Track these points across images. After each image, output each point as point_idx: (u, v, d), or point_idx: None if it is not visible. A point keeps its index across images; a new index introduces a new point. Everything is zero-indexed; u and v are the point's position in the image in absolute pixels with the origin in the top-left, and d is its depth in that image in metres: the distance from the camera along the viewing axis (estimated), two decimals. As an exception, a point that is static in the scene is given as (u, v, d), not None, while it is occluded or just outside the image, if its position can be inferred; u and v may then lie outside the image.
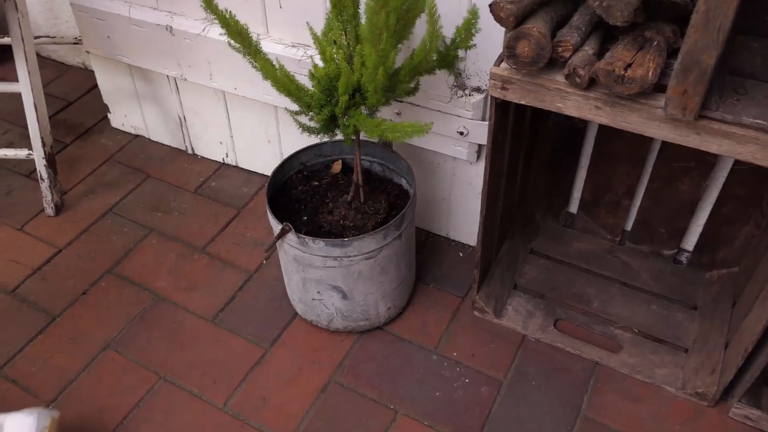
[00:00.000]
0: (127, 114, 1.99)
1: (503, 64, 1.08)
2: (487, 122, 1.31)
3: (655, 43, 0.98)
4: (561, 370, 1.41)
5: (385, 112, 1.48)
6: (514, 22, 0.99)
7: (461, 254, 1.66)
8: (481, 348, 1.46)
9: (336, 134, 1.28)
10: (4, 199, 1.83)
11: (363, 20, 1.12)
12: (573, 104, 1.04)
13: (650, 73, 0.94)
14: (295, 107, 1.26)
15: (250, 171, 1.90)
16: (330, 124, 1.24)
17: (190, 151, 1.96)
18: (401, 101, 1.43)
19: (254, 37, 1.19)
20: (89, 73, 2.22)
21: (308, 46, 1.50)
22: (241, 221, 1.76)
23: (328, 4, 1.21)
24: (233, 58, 1.51)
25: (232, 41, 1.18)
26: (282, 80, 1.20)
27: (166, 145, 1.99)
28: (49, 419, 1.21)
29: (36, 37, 1.90)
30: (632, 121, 1.01)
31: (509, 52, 1.02)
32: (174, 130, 1.93)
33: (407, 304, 1.54)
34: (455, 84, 1.37)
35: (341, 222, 1.39)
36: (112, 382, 1.42)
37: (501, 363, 1.43)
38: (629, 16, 0.93)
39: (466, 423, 1.34)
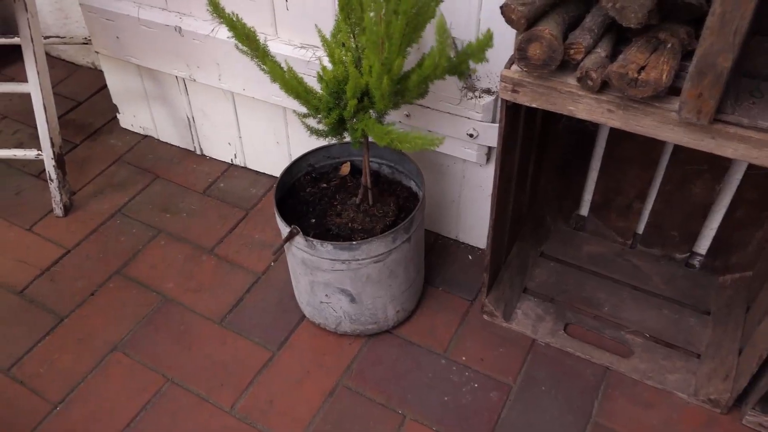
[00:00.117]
0: (136, 114, 1.99)
1: (514, 67, 1.07)
2: (497, 124, 1.29)
3: (669, 45, 0.96)
4: (571, 375, 1.40)
5: (394, 114, 1.47)
6: (526, 24, 0.98)
7: (470, 257, 1.65)
8: (491, 352, 1.45)
9: (344, 137, 1.27)
10: (13, 200, 1.83)
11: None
12: (585, 107, 1.03)
13: (664, 76, 0.92)
14: (303, 109, 1.25)
15: (259, 172, 1.89)
16: (338, 127, 1.23)
17: (198, 152, 1.96)
18: (410, 103, 1.42)
19: (263, 38, 1.19)
20: (99, 73, 2.22)
21: (317, 47, 1.49)
22: (250, 222, 1.76)
23: (337, 6, 1.19)
24: (242, 59, 1.50)
25: (239, 44, 1.17)
26: (290, 83, 1.19)
27: (175, 146, 1.98)
28: None
29: (46, 37, 1.90)
30: (645, 124, 1.00)
31: (520, 55, 1.01)
32: (183, 130, 1.93)
33: (416, 308, 1.53)
34: (465, 86, 1.36)
35: (350, 225, 1.38)
36: (119, 384, 1.42)
37: (510, 368, 1.42)
38: (643, 18, 0.91)
39: (474, 428, 1.33)
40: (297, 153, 1.50)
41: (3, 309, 1.56)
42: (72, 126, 2.06)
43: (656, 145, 1.40)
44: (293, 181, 1.49)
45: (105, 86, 2.02)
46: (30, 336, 1.51)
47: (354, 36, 1.20)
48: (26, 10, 1.56)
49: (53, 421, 1.36)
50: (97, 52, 1.85)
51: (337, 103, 1.19)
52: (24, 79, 1.66)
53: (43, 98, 1.66)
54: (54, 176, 1.73)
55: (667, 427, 1.31)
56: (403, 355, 1.45)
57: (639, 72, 0.93)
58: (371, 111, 1.21)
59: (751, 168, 1.35)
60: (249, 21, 1.16)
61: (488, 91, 1.36)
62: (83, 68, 2.30)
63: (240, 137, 1.84)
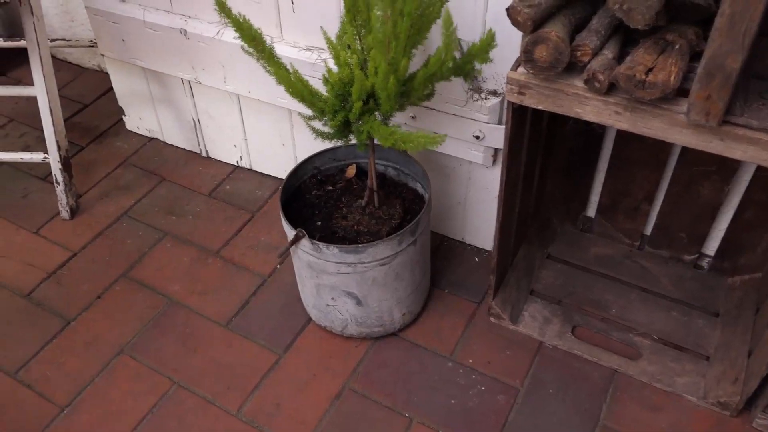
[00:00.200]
0: (142, 117, 1.99)
1: (520, 69, 1.06)
2: (503, 126, 1.28)
3: (677, 47, 0.96)
4: (579, 378, 1.39)
5: (400, 116, 1.47)
6: (532, 26, 0.97)
7: (477, 259, 1.64)
8: (497, 355, 1.44)
9: (350, 139, 1.27)
10: (20, 202, 1.84)
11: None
12: (592, 110, 1.02)
13: (672, 78, 0.91)
14: (309, 112, 1.25)
15: (265, 174, 1.89)
16: (344, 129, 1.22)
17: (204, 154, 1.96)
18: (416, 105, 1.42)
19: (268, 40, 1.18)
20: (105, 76, 2.23)
21: (322, 49, 1.49)
22: (255, 225, 1.75)
23: (343, 8, 1.19)
24: (247, 62, 1.50)
25: (245, 45, 1.17)
26: (296, 85, 1.18)
27: (181, 148, 1.99)
28: None
29: (52, 40, 1.90)
30: (653, 126, 0.99)
31: (527, 57, 1.00)
32: (188, 133, 1.93)
33: (422, 310, 1.53)
34: (471, 87, 1.35)
35: (355, 227, 1.37)
36: (126, 387, 1.42)
37: (517, 370, 1.41)
38: (651, 19, 0.91)
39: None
40: (303, 155, 1.50)
41: (10, 312, 1.57)
42: (78, 129, 2.06)
43: (664, 146, 1.39)
44: (299, 184, 1.48)
45: (111, 89, 2.02)
46: (37, 339, 1.51)
47: (360, 38, 1.19)
48: (32, 13, 1.56)
49: (61, 425, 1.36)
50: (102, 55, 1.86)
51: (342, 105, 1.19)
52: (30, 83, 1.66)
53: (49, 101, 1.66)
54: (60, 179, 1.73)
55: (676, 430, 1.30)
56: (409, 358, 1.45)
57: (647, 74, 0.92)
58: (376, 113, 1.20)
59: (761, 170, 1.33)
60: (254, 23, 1.15)
61: (494, 93, 1.35)
62: (89, 71, 2.31)
63: (245, 139, 1.83)
